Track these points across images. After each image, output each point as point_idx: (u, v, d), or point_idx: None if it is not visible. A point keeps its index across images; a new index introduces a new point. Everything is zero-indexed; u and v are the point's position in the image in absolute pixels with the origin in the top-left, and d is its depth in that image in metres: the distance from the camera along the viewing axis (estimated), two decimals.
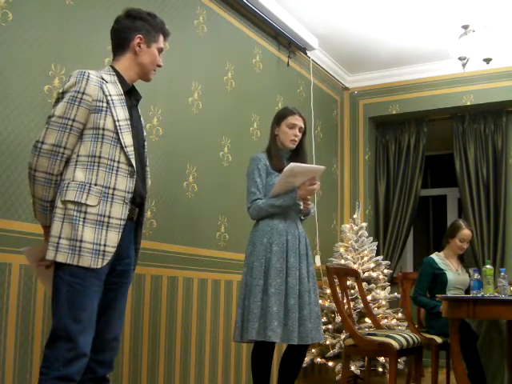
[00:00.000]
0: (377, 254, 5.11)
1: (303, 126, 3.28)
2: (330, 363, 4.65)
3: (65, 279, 2.05)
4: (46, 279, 2.21)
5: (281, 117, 3.29)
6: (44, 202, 2.13)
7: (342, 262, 4.93)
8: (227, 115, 4.14)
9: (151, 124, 3.45)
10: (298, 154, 3.30)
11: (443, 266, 4.27)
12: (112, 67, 2.28)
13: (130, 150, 2.18)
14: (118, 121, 2.16)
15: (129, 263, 2.28)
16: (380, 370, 4.66)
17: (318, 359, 4.70)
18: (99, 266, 2.07)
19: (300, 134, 3.27)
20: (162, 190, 3.50)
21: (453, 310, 3.29)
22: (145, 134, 2.39)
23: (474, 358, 3.77)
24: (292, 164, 3.03)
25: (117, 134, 2.15)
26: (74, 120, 2.10)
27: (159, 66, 2.36)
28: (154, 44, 2.31)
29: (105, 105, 2.14)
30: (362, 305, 4.50)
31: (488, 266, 3.48)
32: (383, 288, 4.87)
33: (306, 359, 4.56)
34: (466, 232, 4.33)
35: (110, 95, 2.16)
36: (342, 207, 5.88)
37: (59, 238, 2.05)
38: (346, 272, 4.28)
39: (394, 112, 5.84)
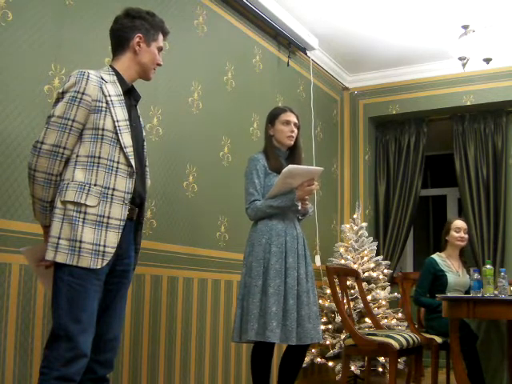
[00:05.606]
0: (377, 254, 5.11)
1: (297, 121, 3.28)
2: (330, 363, 4.65)
3: (65, 279, 2.05)
4: (46, 279, 2.21)
5: (274, 116, 3.29)
6: (43, 202, 2.13)
7: (342, 261, 4.93)
8: (227, 115, 4.14)
9: (151, 124, 3.45)
10: (294, 153, 3.29)
11: (444, 268, 4.26)
12: (112, 67, 2.28)
13: (130, 151, 2.18)
14: (118, 121, 2.16)
15: (128, 263, 2.28)
16: (380, 369, 4.66)
17: (318, 359, 4.70)
18: (99, 267, 2.07)
19: (296, 130, 3.27)
20: (161, 190, 3.50)
21: (453, 310, 3.29)
22: (144, 134, 2.39)
23: (474, 358, 3.77)
24: (290, 166, 3.02)
25: (116, 134, 2.15)
26: (73, 120, 2.10)
27: (159, 64, 2.36)
28: (154, 43, 2.31)
29: (104, 105, 2.14)
30: (361, 305, 4.50)
31: (488, 266, 3.48)
32: (383, 288, 4.86)
33: (306, 359, 4.56)
34: (457, 221, 4.36)
35: (110, 95, 2.16)
36: (342, 207, 5.88)
37: (59, 238, 2.05)
38: (346, 272, 4.28)
39: (394, 112, 5.84)
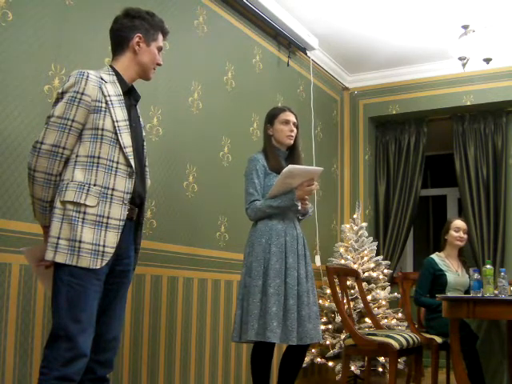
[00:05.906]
0: (377, 254, 5.11)
1: (296, 121, 3.28)
2: (330, 363, 4.66)
3: (64, 279, 2.05)
4: (46, 279, 2.21)
5: (272, 116, 3.29)
6: (43, 202, 2.13)
7: (342, 261, 4.93)
8: (227, 115, 4.14)
9: (151, 124, 3.45)
10: (293, 153, 3.29)
11: (444, 267, 4.26)
12: (111, 67, 2.28)
13: (129, 151, 2.18)
14: (117, 121, 2.16)
15: (128, 263, 2.28)
16: (380, 369, 4.66)
17: (318, 359, 4.70)
18: (98, 267, 2.07)
19: (295, 130, 3.27)
20: (161, 190, 3.50)
21: (453, 310, 3.29)
22: (144, 134, 2.39)
23: (474, 358, 3.77)
24: (290, 166, 3.02)
25: (116, 134, 2.15)
26: (73, 120, 2.10)
27: (159, 64, 2.36)
28: (154, 43, 2.31)
29: (104, 105, 2.14)
30: (362, 305, 4.50)
31: (488, 266, 3.48)
32: (383, 288, 4.87)
33: (306, 359, 4.56)
34: (457, 221, 4.37)
35: (109, 96, 2.17)
36: (342, 207, 5.88)
37: (58, 238, 2.05)
38: (346, 272, 4.28)
39: (394, 112, 5.84)
